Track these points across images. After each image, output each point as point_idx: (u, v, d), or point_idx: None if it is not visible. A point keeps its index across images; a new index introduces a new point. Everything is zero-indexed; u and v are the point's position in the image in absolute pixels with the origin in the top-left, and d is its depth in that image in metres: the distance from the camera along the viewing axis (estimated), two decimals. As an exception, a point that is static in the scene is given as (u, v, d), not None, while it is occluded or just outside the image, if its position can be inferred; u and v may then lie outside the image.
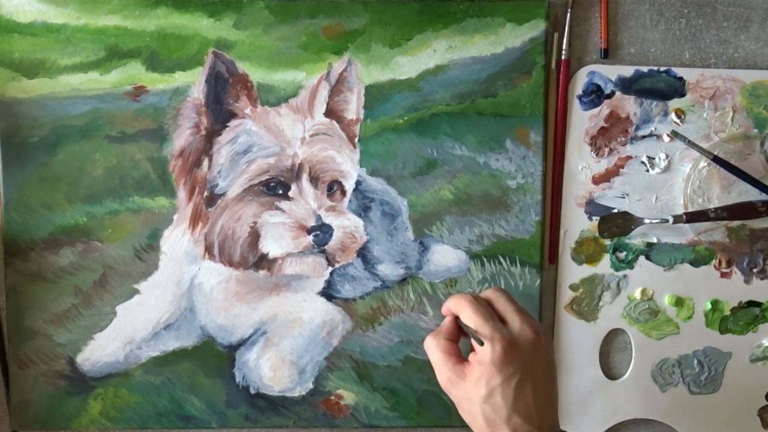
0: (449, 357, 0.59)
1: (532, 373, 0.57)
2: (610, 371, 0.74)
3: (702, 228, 0.71)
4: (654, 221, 0.71)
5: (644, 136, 0.71)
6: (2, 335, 0.71)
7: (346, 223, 0.71)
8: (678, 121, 0.71)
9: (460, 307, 0.59)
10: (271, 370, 0.72)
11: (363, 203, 0.71)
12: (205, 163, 0.70)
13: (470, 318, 0.58)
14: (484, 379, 0.56)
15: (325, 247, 0.71)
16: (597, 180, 0.72)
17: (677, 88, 0.71)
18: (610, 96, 0.71)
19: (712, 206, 0.70)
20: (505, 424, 0.56)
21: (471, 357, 0.58)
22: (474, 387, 0.57)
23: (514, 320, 0.58)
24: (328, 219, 0.70)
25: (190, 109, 0.70)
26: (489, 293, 0.60)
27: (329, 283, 0.71)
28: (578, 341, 0.73)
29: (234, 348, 0.72)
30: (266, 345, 0.72)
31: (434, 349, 0.59)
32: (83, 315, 0.71)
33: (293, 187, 0.70)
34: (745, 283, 0.73)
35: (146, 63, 0.69)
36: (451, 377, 0.58)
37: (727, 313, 0.73)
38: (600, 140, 0.71)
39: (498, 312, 0.59)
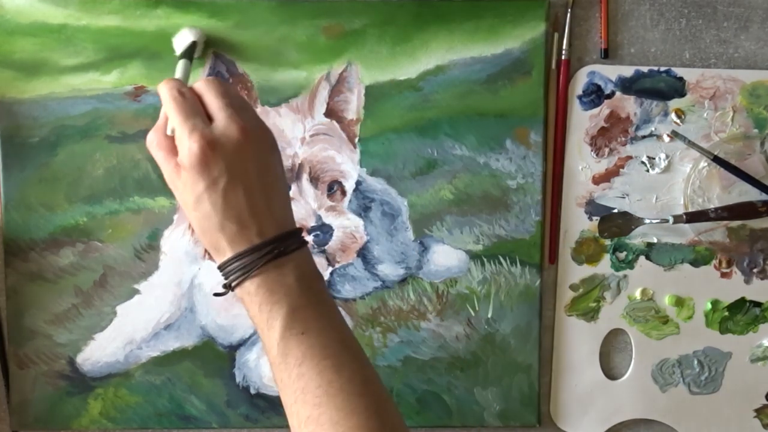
0: (172, 156, 0.52)
1: (243, 175, 0.51)
2: (610, 371, 0.74)
3: (702, 228, 0.71)
4: (654, 221, 0.71)
5: (644, 136, 0.71)
6: (2, 335, 0.71)
7: (346, 223, 0.71)
8: (678, 121, 0.71)
9: (163, 102, 0.52)
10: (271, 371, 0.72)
11: (363, 203, 0.71)
12: (206, 163, 0.70)
13: (171, 116, 0.52)
14: (190, 185, 0.51)
15: (325, 247, 0.71)
16: (597, 180, 0.72)
17: (677, 88, 0.71)
18: (610, 96, 0.71)
19: (712, 206, 0.70)
20: (219, 231, 0.51)
21: (178, 159, 0.52)
22: (184, 192, 0.52)
23: (220, 117, 0.52)
24: (328, 219, 0.70)
25: (191, 109, 0.69)
26: (198, 85, 0.53)
27: (329, 284, 0.71)
28: (578, 341, 0.73)
29: (234, 348, 0.72)
30: (266, 345, 0.72)
31: (155, 148, 0.53)
32: (83, 315, 0.71)
33: (293, 187, 0.70)
34: (745, 283, 0.73)
35: (147, 63, 0.69)
36: (171, 179, 0.53)
37: (726, 313, 0.73)
38: (600, 140, 0.71)
39: (206, 108, 0.53)
